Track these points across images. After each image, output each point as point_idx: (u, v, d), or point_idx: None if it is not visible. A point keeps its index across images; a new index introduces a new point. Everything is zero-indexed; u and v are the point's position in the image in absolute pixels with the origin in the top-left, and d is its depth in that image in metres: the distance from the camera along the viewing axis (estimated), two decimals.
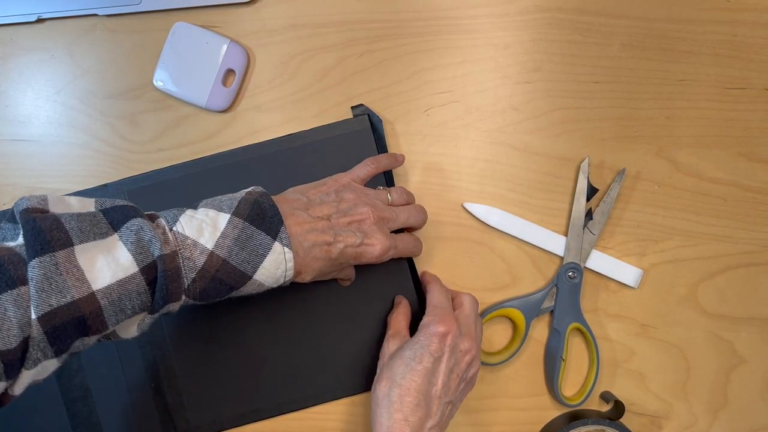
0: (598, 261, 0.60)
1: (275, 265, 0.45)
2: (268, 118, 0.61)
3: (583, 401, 0.60)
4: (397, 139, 0.60)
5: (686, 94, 0.60)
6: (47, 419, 0.59)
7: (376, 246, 0.50)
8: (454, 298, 0.56)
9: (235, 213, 0.45)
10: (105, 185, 0.59)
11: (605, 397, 0.61)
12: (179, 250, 0.43)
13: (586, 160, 0.59)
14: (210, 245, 0.43)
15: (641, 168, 0.60)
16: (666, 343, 0.61)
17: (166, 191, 0.59)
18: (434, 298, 0.54)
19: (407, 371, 0.49)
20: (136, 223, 0.42)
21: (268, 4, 0.60)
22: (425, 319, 0.52)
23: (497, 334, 0.61)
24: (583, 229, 0.59)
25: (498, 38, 0.60)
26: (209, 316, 0.58)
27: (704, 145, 0.60)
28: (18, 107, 0.62)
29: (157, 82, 0.60)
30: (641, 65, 0.60)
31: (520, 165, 0.60)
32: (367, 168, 0.54)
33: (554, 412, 0.61)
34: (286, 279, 0.47)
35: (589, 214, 0.59)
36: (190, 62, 0.59)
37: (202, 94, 0.59)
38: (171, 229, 0.43)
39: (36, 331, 0.38)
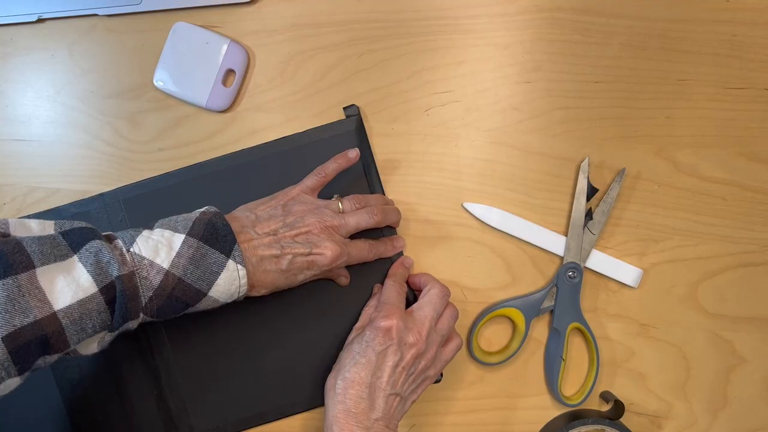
0: (598, 261, 0.60)
1: (229, 282, 0.47)
2: (268, 118, 0.61)
3: (583, 401, 0.60)
4: (397, 139, 0.61)
5: (686, 94, 0.60)
6: (51, 431, 0.59)
7: (326, 253, 0.51)
8: (422, 287, 0.56)
9: (190, 233, 0.47)
10: (101, 194, 0.59)
11: (605, 396, 0.61)
12: (136, 270, 0.44)
13: (586, 160, 0.59)
14: (166, 264, 0.45)
15: (641, 168, 0.60)
16: (666, 343, 0.61)
17: (162, 199, 0.59)
18: (384, 294, 0.56)
19: (352, 364, 0.51)
20: (94, 245, 0.44)
21: (268, 4, 0.60)
22: (372, 314, 0.54)
23: (497, 334, 0.61)
24: (583, 228, 0.59)
25: (498, 38, 0.60)
26: (210, 322, 0.58)
27: (704, 144, 0.60)
28: (18, 107, 0.62)
29: (158, 82, 0.60)
30: (641, 65, 0.60)
31: (520, 165, 0.60)
32: (315, 177, 0.55)
33: (554, 411, 0.61)
34: (240, 294, 0.49)
35: (589, 214, 0.59)
36: (190, 62, 0.59)
37: (202, 94, 0.59)
38: (128, 250, 0.45)
39: (0, 351, 0.39)
